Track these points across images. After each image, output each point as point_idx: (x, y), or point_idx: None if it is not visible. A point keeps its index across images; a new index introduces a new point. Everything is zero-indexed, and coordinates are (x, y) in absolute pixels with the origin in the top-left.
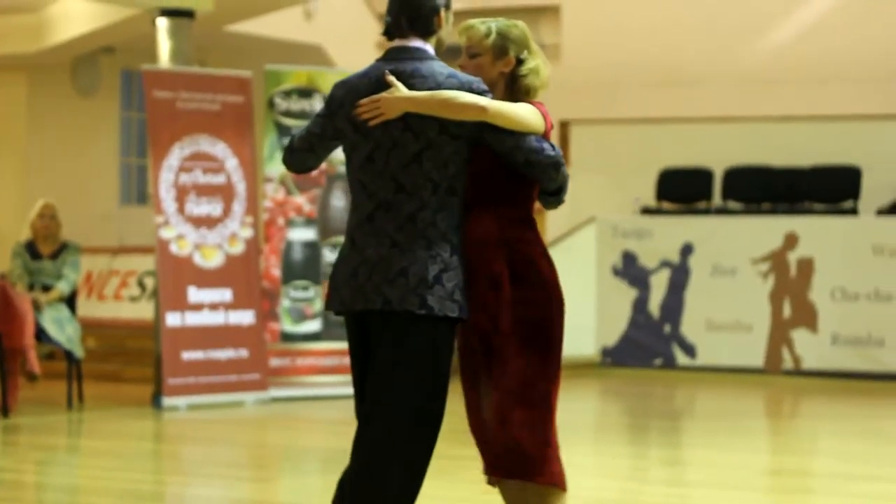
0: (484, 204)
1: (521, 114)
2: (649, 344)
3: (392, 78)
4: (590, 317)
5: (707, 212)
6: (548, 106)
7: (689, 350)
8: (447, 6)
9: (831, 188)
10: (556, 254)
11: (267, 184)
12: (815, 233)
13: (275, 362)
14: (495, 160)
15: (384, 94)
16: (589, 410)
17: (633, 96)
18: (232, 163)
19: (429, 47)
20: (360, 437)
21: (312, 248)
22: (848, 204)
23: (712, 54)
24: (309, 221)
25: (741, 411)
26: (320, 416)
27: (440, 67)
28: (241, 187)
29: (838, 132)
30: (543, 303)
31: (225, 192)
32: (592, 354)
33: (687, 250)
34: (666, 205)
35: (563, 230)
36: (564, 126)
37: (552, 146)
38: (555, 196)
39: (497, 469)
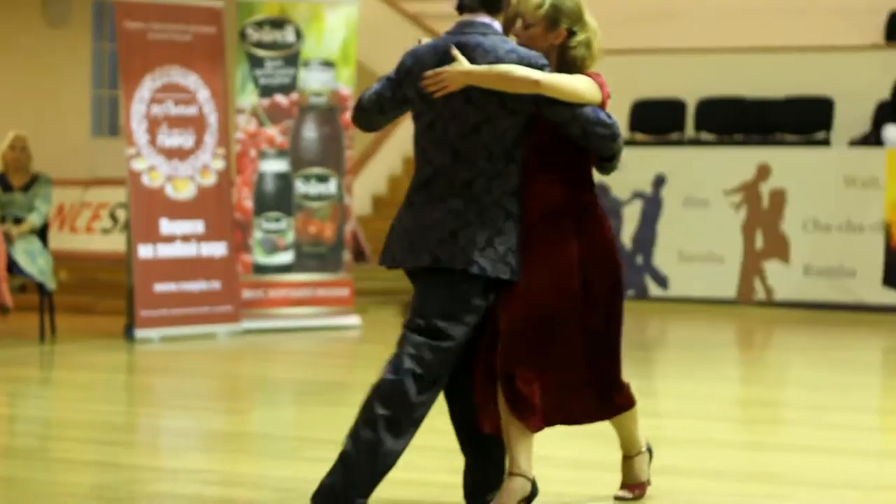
0: (550, 170)
1: (577, 86)
2: None
3: (456, 52)
4: None
5: (679, 143)
6: None
7: (662, 281)
8: None
9: (804, 119)
10: None
11: (239, 115)
12: (788, 164)
13: (247, 294)
14: (557, 130)
15: (447, 67)
16: None
17: (605, 28)
18: (204, 94)
19: (496, 23)
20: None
21: (284, 180)
22: (820, 135)
23: None
24: (281, 153)
25: (713, 342)
26: (292, 348)
27: (502, 42)
28: (212, 119)
29: (811, 63)
30: (611, 264)
31: (197, 124)
32: None
33: (659, 181)
34: (638, 136)
35: None
36: None
37: (608, 116)
38: (609, 162)
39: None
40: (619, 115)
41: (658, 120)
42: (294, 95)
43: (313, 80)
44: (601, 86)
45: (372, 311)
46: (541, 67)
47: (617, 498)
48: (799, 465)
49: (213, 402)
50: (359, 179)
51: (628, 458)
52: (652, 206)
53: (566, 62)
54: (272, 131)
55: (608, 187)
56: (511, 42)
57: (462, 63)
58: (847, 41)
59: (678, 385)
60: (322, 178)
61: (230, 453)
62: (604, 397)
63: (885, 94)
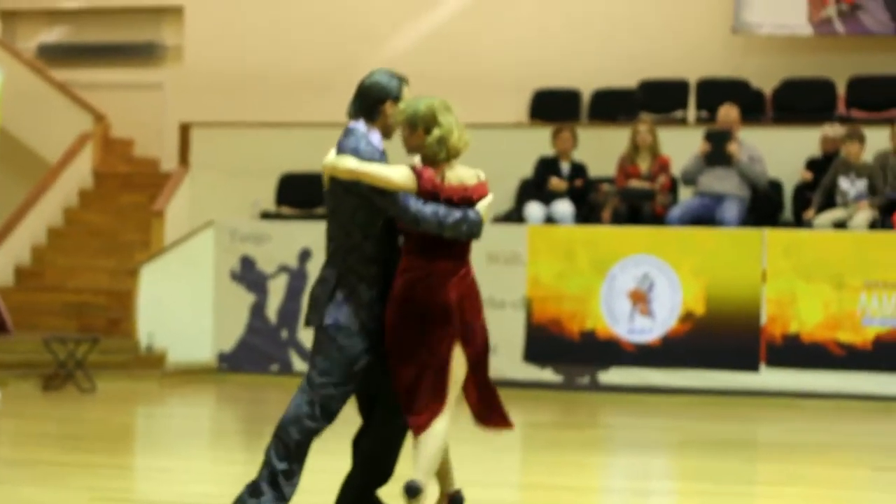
0: (411, 242)
1: (389, 175)
2: (266, 349)
3: (332, 151)
4: (207, 322)
5: (324, 217)
6: (169, 107)
7: (306, 355)
8: (396, 98)
9: None
10: (173, 258)
11: None
12: None
13: None
14: None
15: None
16: (204, 417)
17: (256, 100)
18: None
19: (368, 130)
20: None
21: None
22: None
23: (337, 59)
24: None
25: (353, 417)
26: None
27: (354, 143)
28: None
29: None
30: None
31: None
32: (209, 360)
33: (305, 255)
34: (285, 209)
35: (182, 234)
36: (185, 128)
37: (417, 204)
38: (458, 235)
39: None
40: (267, 188)
41: (305, 194)
42: None
43: None
44: (420, 179)
45: (12, 384)
46: (369, 160)
47: None
48: None
49: None
50: (1, 249)
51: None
52: (297, 280)
53: (427, 157)
54: None
55: (254, 260)
56: (362, 142)
57: (328, 159)
58: (491, 118)
59: (324, 460)
60: None
61: None
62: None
63: (527, 172)
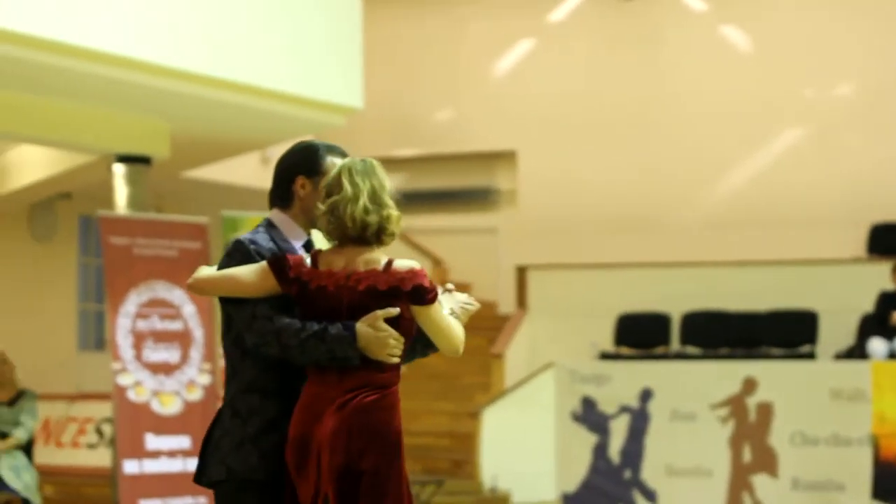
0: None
1: (231, 277)
2: (610, 490)
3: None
4: (549, 463)
5: (665, 357)
6: (503, 250)
7: (650, 496)
8: (314, 173)
9: (789, 333)
10: (515, 400)
11: None
12: (774, 377)
13: None
14: None
15: None
16: None
17: (590, 241)
18: (189, 309)
19: (281, 218)
20: None
21: None
22: (806, 348)
23: (668, 200)
24: None
25: None
26: None
27: (252, 234)
28: (198, 333)
29: (795, 276)
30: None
31: (182, 339)
32: (553, 500)
33: (646, 395)
34: (624, 350)
35: (522, 376)
36: (522, 271)
37: (269, 321)
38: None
39: None
40: (604, 328)
41: (643, 334)
42: None
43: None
44: (281, 266)
45: None
46: (227, 254)
47: None
48: None
49: None
50: None
51: None
52: (639, 421)
53: (321, 231)
54: None
55: (595, 401)
56: (260, 233)
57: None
58: (830, 254)
59: None
60: None
61: None
62: None
63: (868, 307)
